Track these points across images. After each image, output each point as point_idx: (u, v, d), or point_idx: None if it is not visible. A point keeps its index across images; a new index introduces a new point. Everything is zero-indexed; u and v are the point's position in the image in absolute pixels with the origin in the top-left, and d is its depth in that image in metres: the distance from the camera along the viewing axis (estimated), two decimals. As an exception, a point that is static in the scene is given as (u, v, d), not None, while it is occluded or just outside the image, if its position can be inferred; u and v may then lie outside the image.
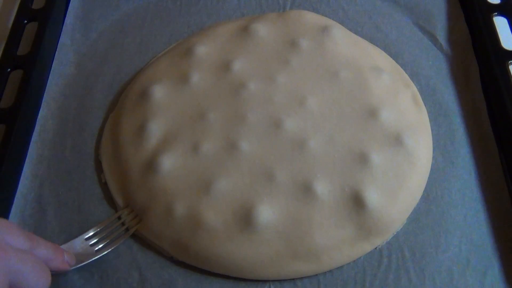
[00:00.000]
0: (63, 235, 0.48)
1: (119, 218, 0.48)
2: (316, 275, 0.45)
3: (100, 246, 0.46)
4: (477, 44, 0.58)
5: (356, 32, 0.60)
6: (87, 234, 0.46)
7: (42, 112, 0.55)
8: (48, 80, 0.57)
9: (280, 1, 0.64)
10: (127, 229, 0.47)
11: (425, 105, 0.54)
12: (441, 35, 0.60)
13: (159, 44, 0.61)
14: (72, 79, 0.58)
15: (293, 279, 0.45)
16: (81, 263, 0.44)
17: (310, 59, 0.54)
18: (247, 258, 0.45)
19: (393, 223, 0.47)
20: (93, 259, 0.45)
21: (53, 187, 0.51)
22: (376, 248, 0.46)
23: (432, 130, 0.53)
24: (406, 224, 0.48)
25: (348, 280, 0.45)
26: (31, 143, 0.53)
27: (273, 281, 0.45)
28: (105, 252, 0.45)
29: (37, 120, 0.55)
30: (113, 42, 0.61)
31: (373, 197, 0.46)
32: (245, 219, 0.45)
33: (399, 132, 0.50)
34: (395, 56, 0.58)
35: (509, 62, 0.54)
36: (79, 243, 0.46)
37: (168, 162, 0.48)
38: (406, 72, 0.57)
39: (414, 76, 0.57)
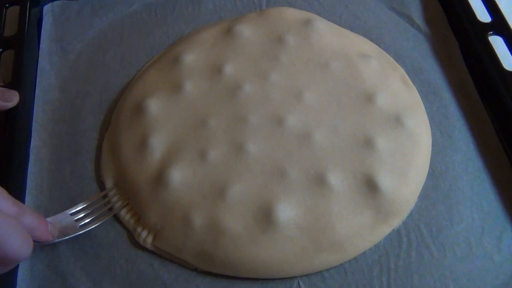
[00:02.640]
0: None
1: (105, 196, 0.49)
2: (342, 264, 0.46)
3: (84, 222, 0.46)
4: (453, 20, 0.60)
5: (335, 23, 0.60)
6: (72, 210, 0.47)
7: (34, 142, 0.53)
8: (34, 108, 0.56)
9: (255, 0, 0.64)
10: (111, 209, 0.48)
11: (414, 85, 0.56)
12: (417, 16, 0.62)
13: (141, 56, 0.60)
14: (58, 103, 0.56)
15: (320, 271, 0.46)
16: (65, 236, 0.45)
17: (298, 54, 0.55)
18: (273, 258, 0.44)
19: (407, 202, 0.48)
20: (77, 233, 0.45)
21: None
22: (394, 229, 0.47)
23: (425, 108, 0.54)
24: (418, 202, 0.49)
25: (373, 264, 0.46)
26: (28, 174, 0.51)
27: (301, 276, 0.45)
28: (89, 228, 0.46)
29: (30, 150, 0.53)
30: (94, 61, 0.60)
31: (385, 179, 0.47)
32: (266, 219, 0.45)
33: (398, 114, 0.51)
34: (376, 41, 0.60)
35: (489, 33, 0.56)
36: (63, 218, 0.46)
37: (178, 174, 0.47)
38: (390, 56, 0.58)
39: (399, 58, 0.58)
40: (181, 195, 0.47)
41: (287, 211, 0.45)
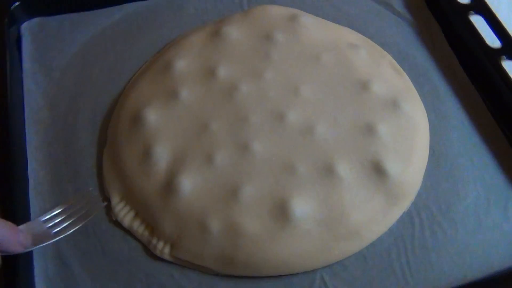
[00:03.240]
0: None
1: (76, 203, 0.46)
2: (360, 250, 0.46)
3: (58, 228, 0.44)
4: (432, 4, 0.61)
5: (318, 16, 0.61)
6: (45, 216, 0.44)
7: (31, 165, 0.52)
8: (26, 130, 0.54)
9: (236, 1, 0.64)
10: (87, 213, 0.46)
11: (403, 70, 0.57)
12: (396, 2, 0.63)
13: (129, 67, 0.59)
14: (50, 123, 0.55)
15: (340, 260, 0.46)
16: (39, 244, 0.42)
17: (289, 50, 0.55)
18: (294, 253, 0.45)
19: (414, 184, 0.49)
20: (51, 241, 0.43)
21: (67, 238, 0.48)
22: (405, 211, 0.48)
23: (417, 91, 0.55)
24: (423, 182, 0.50)
25: (390, 248, 0.47)
26: (30, 199, 0.50)
27: (323, 268, 0.46)
28: (64, 235, 0.44)
29: (28, 174, 0.51)
30: (80, 76, 0.58)
31: (391, 164, 0.48)
32: (282, 216, 0.45)
33: (394, 99, 0.52)
34: (361, 31, 0.61)
35: (469, 13, 0.58)
36: (36, 225, 0.43)
37: (188, 181, 0.47)
38: (376, 44, 0.59)
39: (384, 46, 0.59)
40: (194, 201, 0.46)
41: (302, 205, 0.45)
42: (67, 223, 0.45)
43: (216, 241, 0.45)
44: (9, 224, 0.40)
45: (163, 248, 0.46)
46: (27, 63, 0.59)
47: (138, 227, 0.48)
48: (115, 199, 0.49)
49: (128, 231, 0.48)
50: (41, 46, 0.60)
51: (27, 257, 0.46)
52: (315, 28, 0.58)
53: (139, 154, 0.50)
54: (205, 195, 0.46)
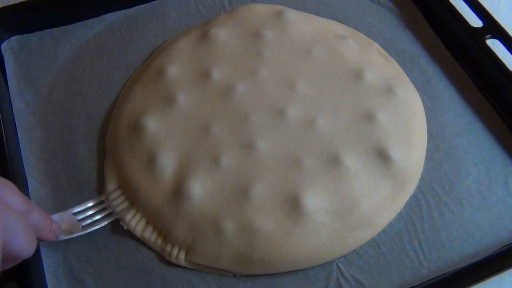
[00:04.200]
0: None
1: (107, 200, 0.48)
2: (373, 238, 0.47)
3: (87, 222, 0.46)
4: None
5: (301, 10, 0.62)
6: (76, 209, 0.47)
7: (31, 185, 0.51)
8: (21, 151, 0.53)
9: (217, 2, 0.64)
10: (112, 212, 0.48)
11: (391, 57, 0.58)
12: (376, -9, 0.64)
13: (118, 77, 0.58)
14: (44, 141, 0.54)
15: (354, 249, 0.47)
16: (68, 235, 0.45)
17: (279, 46, 0.56)
18: (310, 246, 0.45)
19: (418, 167, 0.50)
20: (80, 233, 0.45)
21: (78, 254, 0.47)
22: (411, 195, 0.49)
23: (407, 76, 0.56)
24: (425, 164, 0.51)
25: (401, 232, 0.48)
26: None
27: (338, 258, 0.46)
28: (92, 229, 0.46)
29: (29, 193, 0.50)
30: (69, 91, 0.57)
31: (395, 149, 0.49)
32: (295, 211, 0.45)
33: (389, 85, 0.53)
34: (344, 22, 0.61)
35: (450, -4, 0.59)
36: (67, 217, 0.46)
37: (197, 186, 0.47)
38: (361, 33, 0.60)
39: (369, 34, 0.60)
40: (205, 205, 0.46)
41: (313, 199, 0.46)
42: (96, 218, 0.47)
43: (231, 242, 0.45)
44: (45, 213, 0.42)
45: (178, 255, 0.46)
46: (13, 83, 0.57)
47: (150, 236, 0.47)
48: (126, 213, 0.48)
49: (140, 241, 0.48)
50: (24, 64, 0.59)
51: (39, 277, 0.45)
52: (301, 23, 0.58)
53: (143, 163, 0.49)
54: (216, 197, 0.46)
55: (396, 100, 0.52)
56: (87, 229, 0.46)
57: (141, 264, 0.46)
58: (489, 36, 0.55)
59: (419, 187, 0.50)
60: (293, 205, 0.45)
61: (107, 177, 0.50)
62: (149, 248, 0.47)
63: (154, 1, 0.64)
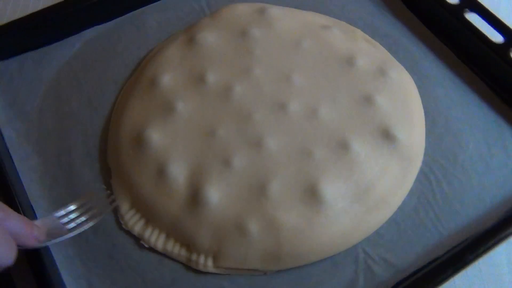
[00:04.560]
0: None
1: (87, 202, 0.47)
2: (390, 217, 0.48)
3: (72, 225, 0.45)
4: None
5: (281, 5, 0.62)
6: (59, 212, 0.45)
7: (39, 215, 0.49)
8: (22, 181, 0.51)
9: (196, 7, 0.64)
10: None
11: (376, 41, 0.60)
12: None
13: (108, 92, 0.57)
14: (43, 168, 0.52)
15: (375, 230, 0.48)
16: (53, 239, 0.43)
17: (268, 42, 0.56)
18: (334, 233, 0.46)
19: (421, 143, 0.52)
20: (66, 237, 0.44)
21: (102, 278, 0.46)
22: (418, 171, 0.51)
23: (394, 57, 0.58)
24: (426, 140, 0.53)
25: (416, 206, 0.49)
26: (49, 247, 0.47)
27: (362, 241, 0.47)
28: (79, 231, 0.44)
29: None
30: (59, 113, 0.56)
31: (399, 129, 0.50)
32: (314, 201, 0.46)
33: (381, 69, 0.54)
34: (325, 12, 0.62)
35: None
36: (51, 221, 0.44)
37: (213, 191, 0.46)
38: (343, 22, 0.61)
39: (351, 22, 0.61)
40: (225, 209, 0.46)
41: (330, 187, 0.47)
42: (81, 220, 0.45)
43: (258, 241, 0.45)
44: (24, 218, 0.40)
45: (205, 262, 0.46)
46: (-1, 112, 0.55)
47: (173, 248, 0.47)
48: (138, 226, 0.48)
49: (163, 254, 0.47)
50: (8, 91, 0.57)
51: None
52: (285, 18, 0.58)
53: (153, 176, 0.48)
54: (235, 199, 0.46)
55: (391, 81, 0.53)
56: (74, 231, 0.44)
57: (169, 277, 0.46)
58: (466, 9, 0.57)
59: (425, 162, 0.51)
60: (312, 196, 0.46)
61: (118, 197, 0.49)
62: (174, 260, 0.47)
63: (132, 12, 0.63)
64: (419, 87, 0.56)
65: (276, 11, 0.59)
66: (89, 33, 0.62)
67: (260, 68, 0.54)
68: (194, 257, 0.46)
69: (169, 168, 0.48)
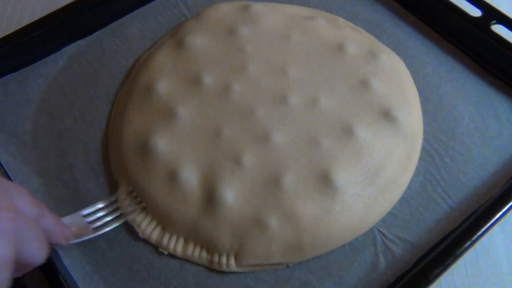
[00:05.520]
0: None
1: (116, 201, 0.48)
2: (401, 196, 0.49)
3: (98, 224, 0.46)
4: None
5: (259, 0, 0.62)
6: (85, 211, 0.46)
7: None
8: (26, 203, 0.49)
9: (176, 12, 0.64)
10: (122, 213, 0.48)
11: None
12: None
13: (101, 106, 0.56)
14: (46, 189, 0.51)
15: (389, 211, 0.49)
16: (78, 238, 0.44)
17: (258, 38, 0.56)
18: (351, 218, 0.46)
19: (420, 121, 0.53)
20: (91, 236, 0.45)
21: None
22: (420, 149, 0.52)
23: (380, 41, 0.59)
24: (423, 118, 0.54)
25: (424, 184, 0.50)
26: (66, 266, 0.46)
27: (377, 223, 0.48)
28: (103, 231, 0.45)
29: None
30: (54, 132, 0.54)
31: (398, 110, 0.51)
32: (329, 189, 0.47)
33: (371, 52, 0.55)
34: (305, 4, 0.63)
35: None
36: (77, 219, 0.45)
37: (228, 190, 0.46)
38: (324, 12, 0.62)
39: (331, 11, 0.62)
40: (242, 207, 0.46)
41: (342, 173, 0.47)
42: (106, 220, 0.46)
43: (278, 235, 0.45)
44: (56, 217, 0.41)
45: (228, 262, 0.46)
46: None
47: (193, 252, 0.46)
48: (155, 234, 0.47)
49: (183, 259, 0.47)
50: (-4, 115, 0.56)
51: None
52: (268, 12, 0.59)
53: (164, 183, 0.48)
54: (250, 196, 0.46)
55: (383, 64, 0.54)
56: (98, 231, 0.45)
57: (193, 281, 0.46)
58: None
59: (425, 139, 0.53)
60: (325, 184, 0.47)
61: (127, 208, 0.49)
62: (196, 263, 0.46)
63: (112, 24, 0.63)
64: (408, 68, 0.57)
65: (259, 7, 0.59)
66: (71, 49, 0.61)
67: (254, 65, 0.54)
68: (216, 258, 0.46)
69: (180, 173, 0.48)
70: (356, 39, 0.57)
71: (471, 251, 0.46)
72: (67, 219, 0.44)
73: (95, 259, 0.47)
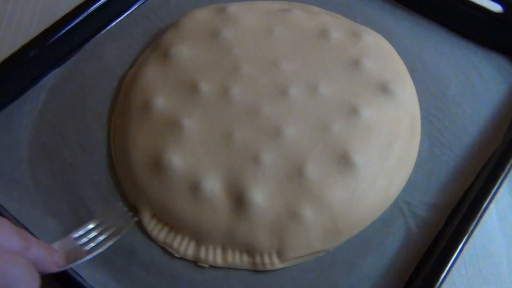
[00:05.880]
0: None
1: (103, 221, 0.46)
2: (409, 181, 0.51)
3: (91, 245, 0.44)
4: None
5: (229, 1, 0.62)
6: (75, 234, 0.44)
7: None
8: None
9: (148, 24, 0.63)
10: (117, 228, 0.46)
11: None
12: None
13: (97, 131, 0.54)
14: (62, 228, 0.48)
15: (407, 182, 0.51)
16: (71, 263, 0.42)
17: (242, 38, 0.56)
18: (377, 193, 0.48)
19: (414, 92, 0.55)
20: (84, 259, 0.43)
21: None
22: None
23: (356, 23, 0.61)
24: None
25: (431, 148, 0.53)
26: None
27: (399, 195, 0.50)
28: (97, 252, 0.43)
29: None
30: (54, 168, 0.52)
31: (395, 83, 0.53)
32: (351, 170, 0.48)
33: (355, 34, 0.57)
34: (285, -1, 0.64)
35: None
36: (67, 243, 0.43)
37: (256, 192, 0.46)
38: (296, 2, 0.63)
39: (316, 3, 0.63)
40: (273, 203, 0.46)
41: (359, 152, 0.48)
42: (99, 240, 0.44)
43: (315, 223, 0.46)
44: (44, 244, 0.40)
45: (271, 260, 0.46)
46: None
47: (234, 259, 0.46)
48: (183, 247, 0.47)
49: (225, 268, 0.46)
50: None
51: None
52: (245, 11, 0.59)
53: (188, 197, 0.47)
54: (278, 191, 0.47)
55: (368, 43, 0.56)
56: (92, 252, 0.43)
57: (241, 287, 0.46)
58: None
59: (421, 107, 0.55)
60: (346, 166, 0.48)
61: (154, 231, 0.48)
62: (238, 269, 0.46)
63: (84, 48, 0.61)
64: (398, 48, 0.59)
65: (235, 8, 0.59)
66: (49, 80, 0.58)
67: (246, 64, 0.54)
68: (258, 259, 0.46)
69: (202, 184, 0.47)
70: (335, 23, 0.58)
71: (471, 251, 0.47)
72: (56, 245, 0.42)
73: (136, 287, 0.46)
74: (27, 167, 0.52)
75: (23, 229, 0.37)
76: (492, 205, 0.48)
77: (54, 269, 0.40)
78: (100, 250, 0.43)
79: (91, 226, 0.45)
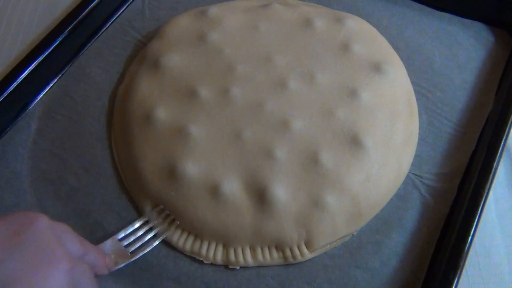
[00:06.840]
0: None
1: (148, 221, 0.48)
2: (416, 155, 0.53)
3: (135, 247, 0.46)
4: None
5: (213, 2, 0.62)
6: (121, 235, 0.46)
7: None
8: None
9: (128, 39, 0.62)
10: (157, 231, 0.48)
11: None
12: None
13: (99, 152, 0.54)
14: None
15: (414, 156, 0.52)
16: (117, 266, 0.44)
17: (229, 38, 0.56)
18: (391, 170, 0.50)
19: (403, 67, 0.57)
20: (129, 261, 0.45)
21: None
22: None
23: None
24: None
25: (430, 120, 0.55)
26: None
27: (409, 170, 0.51)
28: (141, 254, 0.45)
29: None
30: (62, 196, 0.51)
31: (386, 63, 0.55)
32: (364, 151, 0.49)
33: (337, 20, 0.58)
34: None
35: None
36: (113, 244, 0.45)
37: (275, 186, 0.47)
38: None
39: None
40: (296, 196, 0.47)
41: (366, 134, 0.50)
42: (142, 242, 0.46)
43: (339, 209, 0.47)
44: (98, 248, 0.43)
45: (301, 251, 0.46)
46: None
47: (264, 256, 0.47)
48: (219, 253, 0.47)
49: (256, 266, 0.47)
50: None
51: None
52: (226, 12, 0.59)
53: (209, 203, 0.47)
54: (298, 183, 0.47)
55: (352, 27, 0.57)
56: (136, 255, 0.45)
57: (275, 282, 0.46)
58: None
59: (412, 82, 0.57)
60: (358, 148, 0.49)
61: (179, 242, 0.48)
62: (270, 266, 0.47)
63: (68, 70, 0.59)
64: (387, 33, 0.60)
65: (215, 9, 0.59)
66: (38, 108, 0.57)
67: (240, 63, 0.54)
68: (288, 253, 0.46)
69: (221, 188, 0.47)
70: (315, 12, 0.59)
71: (471, 251, 0.46)
72: (105, 245, 0.44)
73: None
74: (33, 198, 0.51)
75: (80, 236, 0.40)
76: (492, 205, 0.50)
77: (105, 272, 0.43)
78: (143, 253, 0.45)
79: (133, 227, 0.47)
